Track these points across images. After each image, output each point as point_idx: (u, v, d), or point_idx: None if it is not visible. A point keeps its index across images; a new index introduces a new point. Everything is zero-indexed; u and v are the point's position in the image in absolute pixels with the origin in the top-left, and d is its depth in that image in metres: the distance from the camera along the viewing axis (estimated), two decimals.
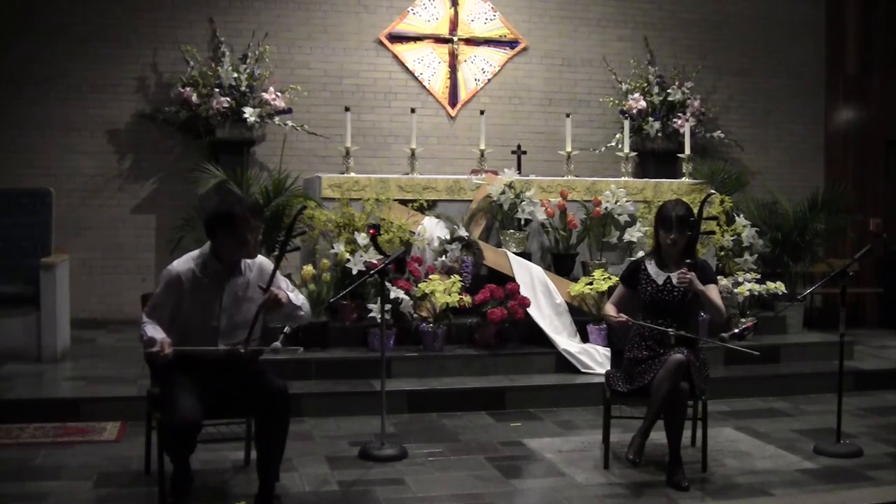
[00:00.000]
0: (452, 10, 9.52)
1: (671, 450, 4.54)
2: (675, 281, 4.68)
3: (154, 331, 3.94)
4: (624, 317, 4.69)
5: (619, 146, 8.69)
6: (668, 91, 9.52)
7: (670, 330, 4.63)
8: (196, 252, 4.16)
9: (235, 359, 4.07)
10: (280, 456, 4.09)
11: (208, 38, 8.92)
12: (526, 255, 7.25)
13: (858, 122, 10.38)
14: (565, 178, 7.70)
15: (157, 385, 4.25)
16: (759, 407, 6.33)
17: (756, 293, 7.34)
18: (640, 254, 6.90)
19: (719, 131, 9.73)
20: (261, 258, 4.24)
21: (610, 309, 4.86)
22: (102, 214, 8.72)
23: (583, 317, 6.99)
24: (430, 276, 6.71)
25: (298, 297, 4.20)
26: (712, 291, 4.72)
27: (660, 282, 4.75)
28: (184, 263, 4.10)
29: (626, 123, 8.31)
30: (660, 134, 9.44)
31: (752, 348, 7.00)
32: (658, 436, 4.67)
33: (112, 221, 8.74)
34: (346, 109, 7.59)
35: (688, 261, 4.70)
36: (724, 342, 4.78)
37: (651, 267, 4.82)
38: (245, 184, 7.14)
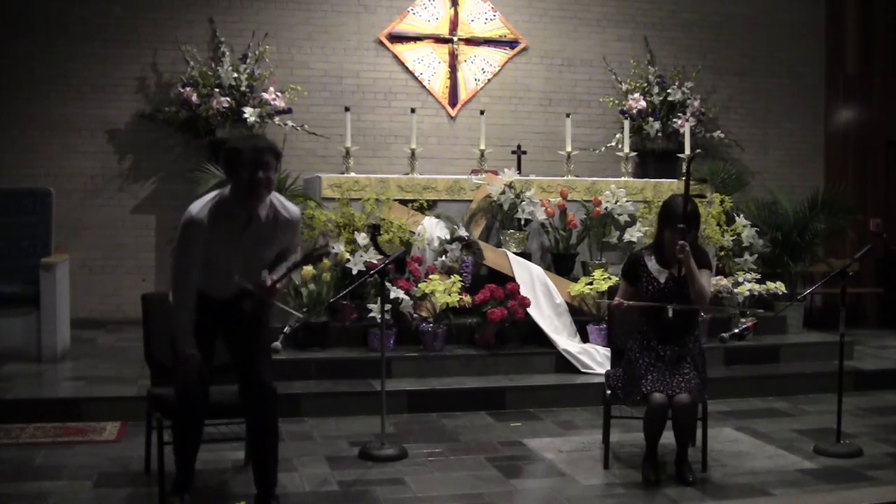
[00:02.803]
0: (452, 10, 9.51)
1: (679, 449, 4.59)
2: (674, 249, 4.54)
3: (186, 330, 3.88)
4: (616, 300, 4.66)
5: (619, 146, 8.69)
6: (668, 91, 9.52)
7: (669, 306, 4.53)
8: (214, 193, 4.00)
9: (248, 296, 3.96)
10: (274, 460, 4.06)
11: (208, 38, 8.91)
12: (526, 255, 7.25)
13: (858, 122, 10.38)
14: (565, 178, 7.71)
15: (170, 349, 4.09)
16: (759, 407, 6.33)
17: (756, 293, 7.34)
18: None
19: (719, 131, 9.73)
20: (281, 202, 4.05)
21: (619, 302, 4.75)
22: (102, 214, 8.71)
23: (583, 317, 6.99)
24: (430, 276, 6.71)
25: (289, 261, 4.08)
26: (703, 276, 4.61)
27: (661, 280, 4.67)
28: (201, 206, 3.91)
29: (626, 123, 8.32)
30: (660, 134, 9.43)
31: (752, 348, 7.10)
32: (662, 437, 4.67)
33: (112, 221, 8.74)
34: (346, 109, 7.60)
35: (680, 226, 4.54)
36: (724, 342, 4.77)
37: (651, 264, 4.71)
38: None
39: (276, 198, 4.03)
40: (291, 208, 4.07)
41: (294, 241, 4.16)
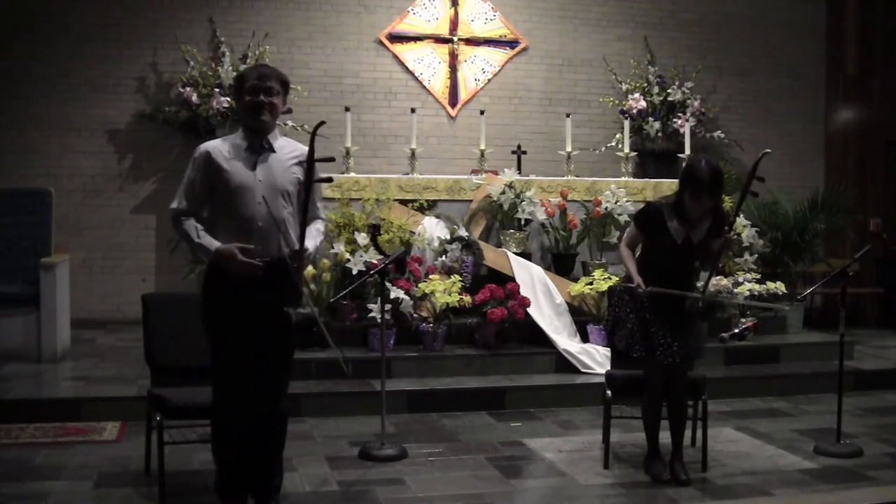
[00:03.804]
0: (452, 10, 9.51)
1: (674, 444, 4.57)
2: (712, 244, 4.51)
3: (203, 235, 3.72)
4: (641, 285, 4.46)
5: (619, 146, 8.69)
6: (668, 91, 9.52)
7: (699, 295, 4.47)
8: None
9: (282, 267, 3.75)
10: (279, 471, 4.01)
11: (208, 38, 8.91)
12: (526, 255, 7.25)
13: (858, 122, 10.37)
14: (565, 178, 7.71)
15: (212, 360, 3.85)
16: (759, 407, 6.33)
17: (756, 293, 7.34)
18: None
19: (719, 131, 9.72)
20: (299, 145, 3.95)
21: (627, 253, 4.64)
22: (102, 214, 8.71)
23: (583, 317, 6.99)
24: (430, 276, 6.71)
25: (316, 236, 3.92)
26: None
27: (679, 241, 4.49)
28: (213, 141, 3.89)
29: (626, 123, 8.32)
30: (660, 134, 9.43)
31: (752, 348, 7.10)
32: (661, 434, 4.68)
33: (112, 221, 8.74)
34: (346, 109, 7.60)
35: (734, 216, 4.60)
36: (724, 342, 4.77)
37: (671, 223, 4.50)
38: None
39: (293, 141, 3.98)
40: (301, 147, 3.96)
41: (315, 199, 3.91)
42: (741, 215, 7.94)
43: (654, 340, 4.49)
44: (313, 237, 3.90)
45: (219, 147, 3.82)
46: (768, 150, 4.64)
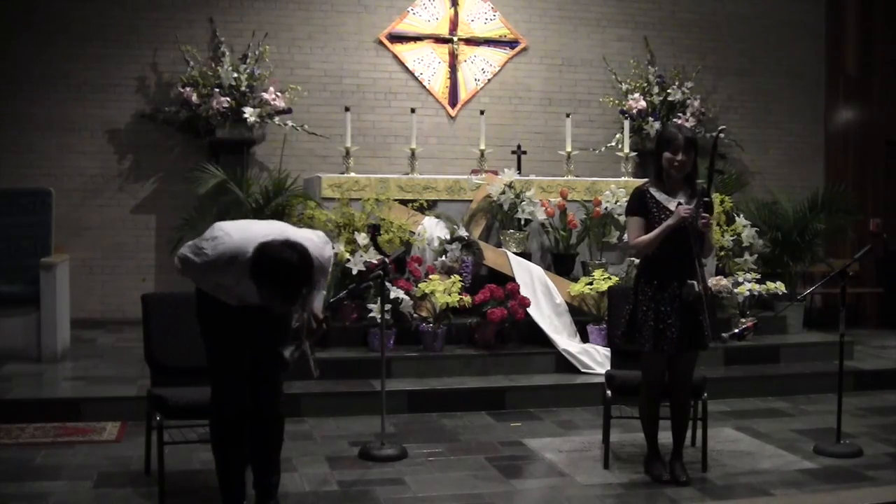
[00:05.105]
0: (452, 10, 9.51)
1: (675, 445, 4.57)
2: (698, 225, 4.45)
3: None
4: (685, 209, 4.37)
5: (619, 146, 8.69)
6: (668, 91, 9.52)
7: (696, 283, 4.39)
8: (242, 258, 3.56)
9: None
10: (276, 466, 4.02)
11: (208, 38, 8.91)
12: (526, 255, 7.25)
13: (858, 122, 10.38)
14: (565, 178, 7.71)
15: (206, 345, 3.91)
16: (759, 407, 6.33)
17: (756, 293, 7.34)
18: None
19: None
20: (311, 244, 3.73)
21: (644, 238, 4.52)
22: (102, 214, 8.71)
23: (583, 317, 6.99)
24: (430, 276, 6.71)
25: (319, 295, 3.94)
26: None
27: (672, 207, 4.47)
28: (235, 255, 3.57)
29: (626, 123, 8.32)
30: None
31: (752, 348, 7.10)
32: (661, 434, 4.67)
33: (112, 221, 8.74)
34: (346, 109, 7.60)
35: (706, 200, 4.48)
36: (724, 342, 4.76)
37: (658, 194, 4.53)
38: (245, 184, 7.16)
39: (307, 238, 3.74)
40: (321, 255, 3.76)
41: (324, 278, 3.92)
42: (741, 215, 7.97)
43: (665, 333, 4.44)
44: (318, 300, 3.93)
45: (235, 273, 3.60)
46: (724, 127, 4.71)
